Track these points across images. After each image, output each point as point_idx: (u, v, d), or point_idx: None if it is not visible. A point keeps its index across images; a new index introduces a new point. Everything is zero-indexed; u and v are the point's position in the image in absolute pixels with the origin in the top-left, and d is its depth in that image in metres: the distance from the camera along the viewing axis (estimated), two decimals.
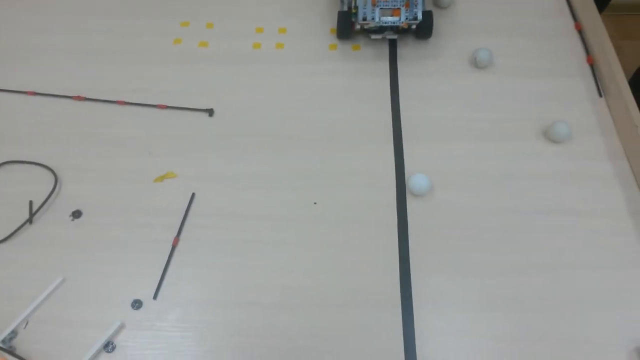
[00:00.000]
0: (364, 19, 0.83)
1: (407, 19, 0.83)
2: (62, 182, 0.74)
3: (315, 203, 0.72)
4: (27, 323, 0.63)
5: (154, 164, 0.76)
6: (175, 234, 0.69)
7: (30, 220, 0.71)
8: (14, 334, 0.62)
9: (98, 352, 0.60)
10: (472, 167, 0.74)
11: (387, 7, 0.83)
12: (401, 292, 0.64)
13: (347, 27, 0.86)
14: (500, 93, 0.82)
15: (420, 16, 0.83)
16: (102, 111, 0.82)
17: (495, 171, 0.74)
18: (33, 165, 0.76)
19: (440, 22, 0.90)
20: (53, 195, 0.73)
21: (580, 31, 0.90)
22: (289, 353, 0.61)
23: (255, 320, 0.63)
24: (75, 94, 0.83)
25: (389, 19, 0.83)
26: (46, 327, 0.63)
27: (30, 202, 0.72)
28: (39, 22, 0.94)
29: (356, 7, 0.83)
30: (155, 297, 0.65)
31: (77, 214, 0.71)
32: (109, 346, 0.61)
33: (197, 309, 0.64)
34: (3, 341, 0.61)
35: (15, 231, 0.70)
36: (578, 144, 0.77)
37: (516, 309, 0.63)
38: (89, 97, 0.83)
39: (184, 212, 0.71)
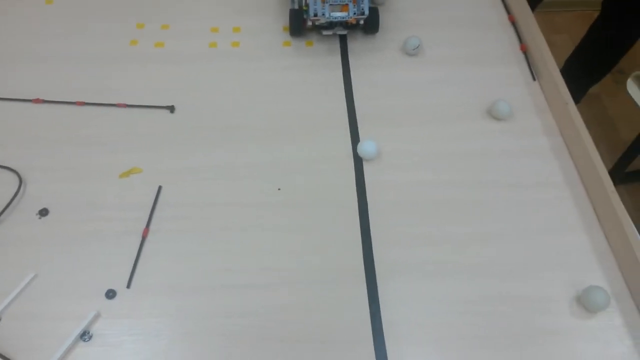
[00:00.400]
0: (315, 15, 0.87)
1: (354, 14, 0.88)
2: (27, 183, 0.75)
3: (279, 189, 0.76)
4: (0, 319, 0.63)
5: (118, 161, 0.78)
6: (144, 225, 0.71)
7: None
8: None
9: (75, 342, 0.62)
10: (424, 148, 0.80)
11: (336, 3, 0.88)
12: (364, 264, 0.69)
13: (299, 24, 0.91)
14: (445, 80, 0.88)
15: (367, 11, 0.88)
16: (62, 113, 0.83)
17: (445, 150, 0.80)
18: None
19: (385, 17, 0.96)
20: (18, 196, 0.73)
21: (513, 23, 0.98)
22: (262, 329, 0.64)
23: (226, 302, 0.66)
24: (34, 97, 0.84)
25: (338, 14, 0.88)
26: (20, 322, 0.64)
27: None
28: None
29: (307, 5, 0.88)
30: (128, 286, 0.67)
31: (44, 212, 0.72)
32: (85, 335, 0.62)
33: (170, 294, 0.66)
34: None
35: None
36: (518, 122, 0.84)
37: (471, 273, 0.68)
38: (48, 99, 0.84)
39: (151, 205, 0.73)
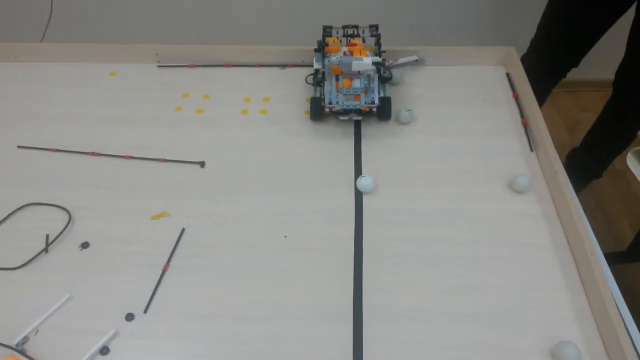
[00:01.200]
0: (330, 103, 0.97)
1: (366, 103, 0.97)
2: (75, 220, 0.89)
3: (285, 236, 0.85)
4: (37, 331, 0.75)
5: (153, 205, 0.90)
6: (165, 260, 0.82)
7: (46, 250, 0.84)
8: (25, 339, 0.73)
9: (94, 355, 0.72)
10: (422, 206, 0.88)
11: (350, 93, 0.97)
12: (354, 307, 0.76)
13: (318, 110, 1.01)
14: (453, 151, 0.98)
15: (376, 100, 0.97)
16: (112, 164, 0.98)
17: (448, 209, 0.88)
18: (51, 207, 0.91)
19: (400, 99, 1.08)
20: (66, 230, 0.87)
21: (516, 99, 1.07)
22: (265, 355, 0.71)
23: (232, 330, 0.74)
24: (91, 151, 1.00)
25: (351, 103, 0.97)
26: (53, 334, 0.74)
27: (47, 236, 0.86)
28: (58, 94, 1.12)
29: (324, 94, 0.98)
30: (145, 311, 0.77)
31: (85, 245, 0.85)
32: (104, 350, 0.72)
33: (181, 321, 0.75)
34: (16, 344, 0.72)
35: (33, 258, 0.83)
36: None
37: (455, 320, 0.74)
38: (102, 152, 0.99)
39: (174, 244, 0.85)
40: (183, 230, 0.87)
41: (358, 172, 0.94)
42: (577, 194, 0.88)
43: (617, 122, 1.46)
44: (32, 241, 0.85)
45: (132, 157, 0.98)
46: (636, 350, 0.68)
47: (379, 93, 0.98)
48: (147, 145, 1.01)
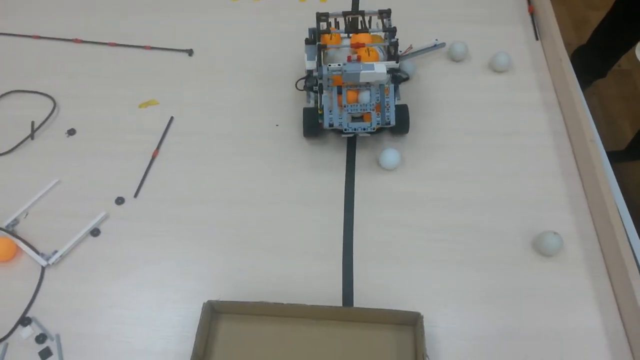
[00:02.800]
0: (331, 126, 0.72)
1: (378, 123, 0.73)
2: (60, 108, 0.86)
3: (277, 125, 0.83)
4: (27, 214, 0.74)
5: (139, 94, 0.87)
6: (155, 147, 0.81)
7: (32, 136, 0.82)
8: (15, 221, 0.73)
9: (85, 236, 0.72)
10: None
11: (357, 111, 0.73)
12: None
13: (314, 125, 0.76)
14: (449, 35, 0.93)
15: (393, 121, 0.72)
16: (96, 51, 0.94)
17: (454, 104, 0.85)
18: (35, 94, 0.88)
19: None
20: (52, 117, 0.85)
21: None
22: (244, 237, 0.71)
23: (219, 214, 0.74)
24: (75, 38, 0.95)
25: (358, 125, 0.73)
26: (43, 217, 0.74)
27: (32, 122, 0.84)
28: None
29: (322, 108, 0.73)
30: (136, 195, 0.76)
31: (71, 132, 0.83)
32: (94, 231, 0.72)
33: (171, 205, 0.75)
34: (6, 226, 0.72)
35: (20, 144, 0.81)
36: (517, 75, 0.87)
37: (448, 206, 0.73)
38: (86, 40, 0.95)
39: (163, 131, 0.83)
40: (172, 118, 0.84)
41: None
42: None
43: (626, 21, 1.39)
44: (17, 128, 0.83)
45: (117, 45, 0.94)
46: (626, 233, 0.67)
47: (394, 103, 0.74)
48: (132, 33, 0.96)
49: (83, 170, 0.79)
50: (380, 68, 0.70)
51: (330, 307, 0.61)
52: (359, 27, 0.78)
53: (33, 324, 0.64)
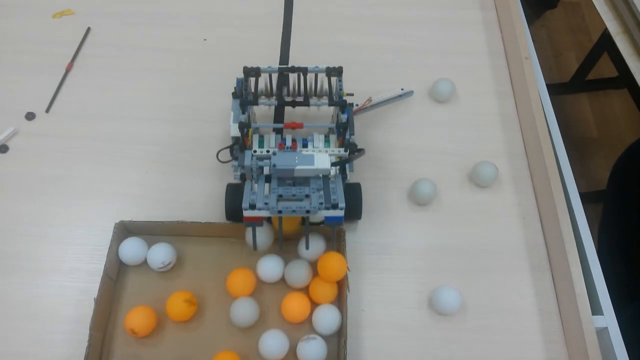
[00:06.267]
0: (253, 207, 0.51)
1: (321, 207, 0.51)
2: None
3: (205, 39, 0.78)
4: None
5: (53, 2, 0.80)
6: (69, 60, 0.75)
7: None
8: None
9: None
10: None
11: (291, 196, 0.51)
12: None
13: (238, 209, 0.52)
14: None
15: (341, 203, 0.51)
16: None
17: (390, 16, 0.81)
18: None
19: None
20: None
21: None
22: (161, 156, 0.68)
23: (137, 131, 0.69)
24: None
25: (296, 205, 0.50)
26: None
27: None
28: None
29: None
30: (47, 110, 0.71)
31: None
32: (2, 148, 0.67)
33: (85, 121, 0.70)
34: None
35: None
36: None
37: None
38: None
39: (78, 43, 0.76)
40: (88, 29, 0.78)
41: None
42: (529, 25, 0.81)
43: None
44: None
45: None
46: (554, 148, 0.67)
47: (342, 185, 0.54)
48: None
49: None
50: (323, 161, 0.52)
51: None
52: (297, 95, 0.60)
53: None
